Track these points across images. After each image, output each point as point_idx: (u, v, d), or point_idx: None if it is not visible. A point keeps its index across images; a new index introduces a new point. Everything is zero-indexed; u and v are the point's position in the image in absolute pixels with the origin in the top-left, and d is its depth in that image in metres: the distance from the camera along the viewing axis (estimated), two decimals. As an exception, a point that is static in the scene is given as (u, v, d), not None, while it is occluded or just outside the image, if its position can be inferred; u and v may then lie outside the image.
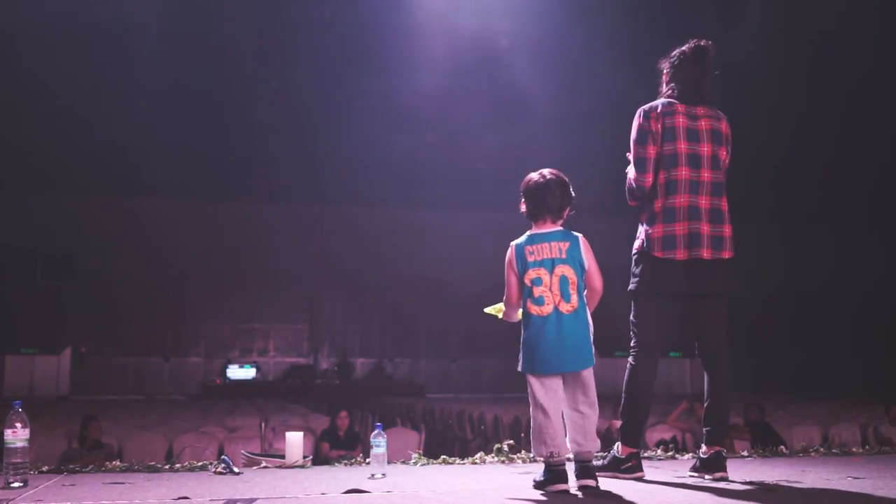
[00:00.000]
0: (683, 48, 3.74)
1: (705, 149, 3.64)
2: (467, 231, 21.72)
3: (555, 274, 3.29)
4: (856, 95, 16.02)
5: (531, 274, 3.31)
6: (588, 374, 3.31)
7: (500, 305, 3.60)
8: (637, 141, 3.66)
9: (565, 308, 3.28)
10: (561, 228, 3.38)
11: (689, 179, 3.60)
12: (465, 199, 20.93)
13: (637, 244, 3.71)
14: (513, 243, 3.40)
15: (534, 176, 3.43)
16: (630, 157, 3.72)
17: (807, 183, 19.54)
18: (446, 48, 14.64)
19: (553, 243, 3.34)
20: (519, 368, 3.33)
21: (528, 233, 3.41)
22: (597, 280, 3.40)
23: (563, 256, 3.32)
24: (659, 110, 3.64)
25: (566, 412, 3.32)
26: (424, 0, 13.93)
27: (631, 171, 3.71)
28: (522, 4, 13.88)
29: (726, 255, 3.64)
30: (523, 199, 3.43)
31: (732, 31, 13.10)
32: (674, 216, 3.58)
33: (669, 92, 3.72)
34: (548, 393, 3.27)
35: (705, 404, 3.73)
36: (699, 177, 3.61)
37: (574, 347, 3.27)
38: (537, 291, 3.29)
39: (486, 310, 3.74)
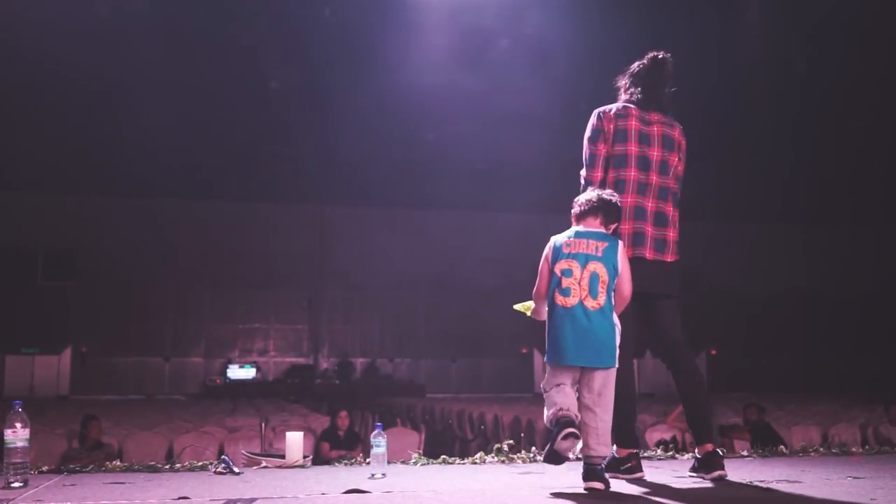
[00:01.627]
0: (643, 59, 3.89)
1: (655, 153, 3.75)
2: (467, 231, 21.74)
3: (587, 269, 3.32)
4: (858, 95, 16.03)
5: (562, 264, 3.33)
6: (608, 375, 3.30)
7: (530, 303, 3.63)
8: (590, 139, 3.79)
9: (591, 304, 3.30)
10: (604, 230, 3.43)
11: (637, 180, 3.70)
12: (466, 199, 20.95)
13: None
14: (553, 237, 3.44)
15: (596, 194, 3.50)
16: (583, 154, 3.83)
17: (809, 183, 19.55)
18: (447, 48, 14.64)
19: (592, 241, 3.38)
20: (545, 359, 3.35)
21: (573, 228, 3.45)
22: (627, 287, 3.43)
23: (599, 255, 3.36)
24: (613, 112, 3.79)
25: (581, 413, 3.30)
26: (425, 0, 13.93)
27: (583, 170, 3.83)
28: (523, 5, 13.88)
29: (669, 258, 3.72)
30: (577, 204, 3.49)
31: (732, 32, 13.10)
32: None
33: (626, 97, 3.87)
34: (567, 379, 3.28)
35: (683, 407, 3.77)
36: (647, 179, 3.71)
37: (597, 343, 3.27)
38: (565, 282, 3.31)
39: (516, 307, 3.78)
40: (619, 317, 3.59)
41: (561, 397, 3.26)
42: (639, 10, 13.36)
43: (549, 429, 3.34)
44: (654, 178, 3.72)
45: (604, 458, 3.32)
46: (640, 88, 3.82)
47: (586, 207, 3.45)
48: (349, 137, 18.01)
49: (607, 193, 3.49)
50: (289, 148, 18.65)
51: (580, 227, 3.43)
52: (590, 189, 3.56)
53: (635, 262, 3.61)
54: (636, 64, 3.89)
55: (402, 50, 14.82)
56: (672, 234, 3.74)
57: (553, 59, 14.59)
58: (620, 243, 3.42)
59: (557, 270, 3.33)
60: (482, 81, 15.84)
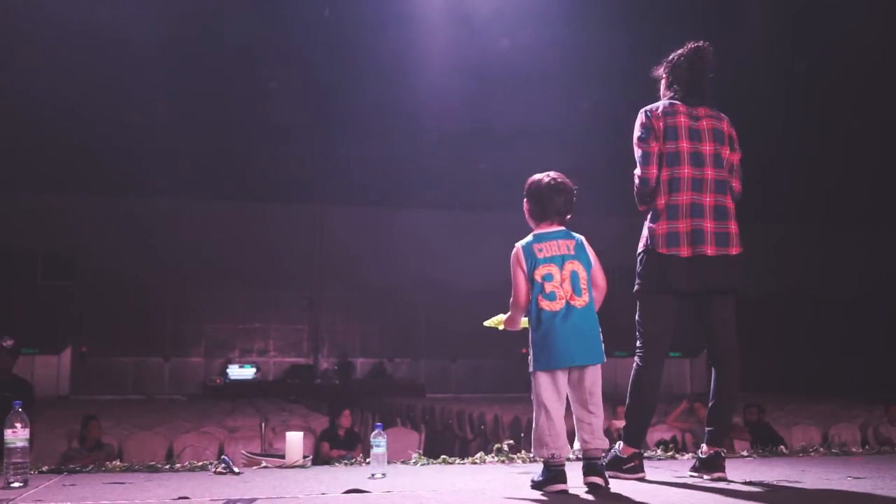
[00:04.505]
0: (681, 51, 3.81)
1: (707, 147, 3.68)
2: (467, 231, 21.73)
3: (565, 269, 3.31)
4: (856, 96, 16.03)
5: (542, 270, 3.31)
6: (597, 371, 3.32)
7: (500, 317, 3.60)
8: (640, 138, 3.71)
9: (577, 303, 3.30)
10: (564, 229, 3.41)
11: (691, 177, 3.63)
12: (466, 199, 20.95)
13: (641, 242, 3.73)
14: (518, 244, 3.40)
15: (541, 177, 3.45)
16: (635, 155, 3.76)
17: (811, 184, 19.56)
18: (447, 48, 14.65)
19: (560, 241, 3.37)
20: (530, 368, 3.31)
21: (532, 233, 3.42)
22: (601, 278, 3.43)
23: (572, 253, 3.35)
24: (660, 110, 3.70)
25: (574, 411, 3.33)
26: (425, 1, 13.93)
27: (637, 170, 3.75)
28: (524, 6, 13.87)
29: (733, 251, 3.65)
30: (528, 200, 3.44)
31: (730, 32, 13.10)
32: (677, 213, 3.61)
33: (670, 94, 3.78)
34: (554, 392, 3.26)
35: (710, 404, 3.74)
36: (702, 175, 3.65)
37: (586, 341, 3.28)
38: (549, 287, 3.29)
39: (486, 323, 3.72)
40: (659, 317, 3.59)
41: (552, 437, 3.22)
42: (639, 13, 13.36)
43: (540, 462, 3.33)
44: (709, 172, 3.65)
45: (602, 450, 3.33)
46: (683, 83, 3.75)
47: (540, 212, 3.40)
48: (349, 137, 18.01)
49: (550, 188, 3.40)
50: (289, 148, 18.65)
51: (541, 231, 3.40)
52: (530, 186, 3.44)
53: (696, 260, 3.58)
54: (675, 55, 3.81)
55: (403, 49, 14.82)
56: (734, 227, 3.67)
57: (554, 59, 14.59)
58: (583, 238, 3.41)
59: (538, 277, 3.30)
60: (483, 81, 15.86)
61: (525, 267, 3.34)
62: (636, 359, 3.68)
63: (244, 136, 18.20)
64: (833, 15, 13.21)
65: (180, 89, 15.46)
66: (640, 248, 3.72)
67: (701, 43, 3.78)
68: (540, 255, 3.32)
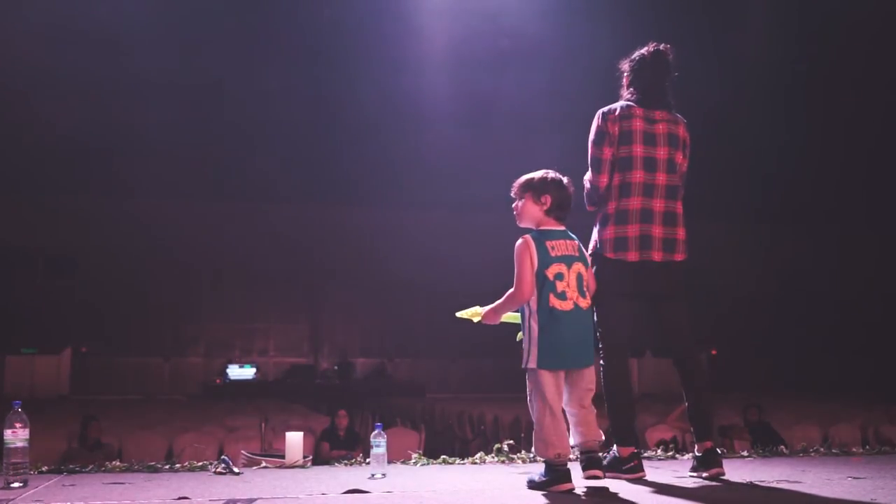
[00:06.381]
0: (643, 51, 3.82)
1: (661, 152, 3.70)
2: (468, 231, 21.71)
3: (572, 270, 3.33)
4: (858, 94, 16.03)
5: (554, 268, 3.30)
6: (593, 370, 3.41)
7: (476, 309, 3.58)
8: (594, 142, 3.73)
9: (583, 304, 3.34)
10: (565, 228, 3.43)
11: (643, 182, 3.66)
12: (466, 199, 20.93)
13: (591, 246, 3.77)
14: (529, 235, 3.36)
15: (553, 174, 3.44)
16: (588, 156, 3.78)
17: (812, 184, 19.55)
18: (447, 48, 14.65)
19: (567, 241, 3.38)
20: (531, 365, 3.29)
21: (539, 228, 3.39)
22: (594, 281, 3.51)
23: (577, 254, 3.37)
24: (617, 113, 3.71)
25: (568, 409, 3.35)
26: (425, 0, 13.94)
27: (588, 174, 3.78)
28: (525, 4, 13.88)
29: (678, 257, 3.70)
30: (547, 193, 3.39)
31: (729, 32, 13.11)
32: (626, 218, 3.65)
33: (629, 95, 3.79)
34: (557, 391, 3.28)
35: (686, 405, 3.77)
36: (654, 180, 3.67)
37: (590, 343, 3.37)
38: (560, 286, 3.29)
39: (459, 314, 3.68)
40: (616, 317, 3.64)
41: (557, 436, 3.22)
42: (638, 13, 13.35)
43: (542, 461, 3.33)
44: (661, 177, 3.67)
45: (599, 442, 3.38)
46: (642, 85, 3.76)
47: (557, 208, 3.39)
48: (349, 137, 18.01)
49: (563, 187, 3.42)
50: (289, 148, 18.65)
51: (548, 228, 3.38)
52: (545, 181, 3.42)
53: (643, 266, 3.61)
54: (637, 54, 3.81)
55: (403, 49, 14.83)
56: (682, 233, 3.71)
57: (554, 58, 14.60)
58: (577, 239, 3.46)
59: (550, 275, 3.28)
60: (483, 81, 15.86)
61: (536, 261, 3.30)
62: (601, 360, 3.70)
63: (244, 136, 18.20)
64: (832, 16, 13.22)
65: (181, 89, 15.47)
66: (589, 251, 3.74)
67: (661, 45, 3.79)
68: (553, 253, 3.31)
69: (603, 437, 3.44)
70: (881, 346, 21.36)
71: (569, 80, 14.77)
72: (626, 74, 3.85)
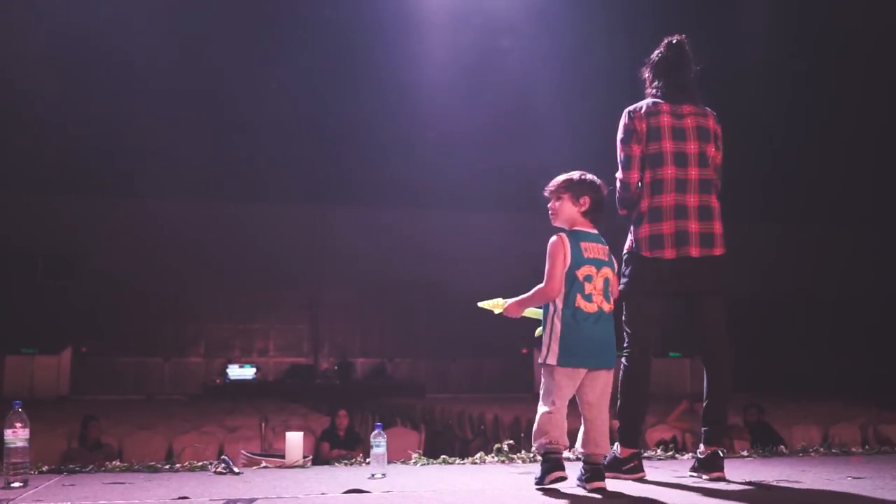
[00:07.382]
0: (659, 48, 3.79)
1: (692, 146, 3.65)
2: (468, 231, 21.71)
3: (600, 274, 3.33)
4: (860, 95, 16.03)
5: (585, 270, 3.30)
6: (611, 375, 3.38)
7: (498, 301, 3.56)
8: (622, 141, 3.70)
9: (607, 308, 3.34)
10: (597, 232, 3.42)
11: (675, 178, 3.62)
12: (467, 199, 20.93)
13: (626, 245, 3.75)
14: (564, 234, 3.35)
15: (591, 176, 3.42)
16: (618, 157, 3.74)
17: (813, 184, 19.55)
18: (447, 48, 14.66)
19: (599, 245, 3.38)
20: (550, 361, 3.28)
21: (571, 229, 3.38)
22: (617, 287, 3.51)
23: (607, 259, 3.38)
24: (643, 110, 3.67)
25: (584, 412, 3.35)
26: (425, 0, 13.95)
27: (619, 173, 3.74)
28: (525, 4, 13.88)
29: (717, 251, 3.64)
30: (586, 195, 3.37)
31: (730, 32, 13.10)
32: (661, 215, 3.61)
33: (654, 92, 3.75)
34: (571, 389, 3.29)
35: (704, 404, 3.74)
36: (686, 175, 3.62)
37: (611, 346, 3.34)
38: (588, 288, 3.30)
39: (482, 304, 3.67)
40: (642, 318, 3.62)
41: (553, 427, 3.24)
42: (640, 14, 13.35)
43: (538, 455, 3.37)
44: (693, 172, 3.62)
45: (604, 456, 3.37)
46: (664, 80, 3.72)
47: (595, 209, 3.39)
48: (350, 137, 18.01)
49: (601, 190, 3.42)
50: (289, 148, 18.65)
51: (582, 229, 3.37)
52: (589, 181, 3.40)
53: (681, 262, 3.58)
54: (655, 53, 3.78)
55: (403, 49, 14.83)
56: (718, 227, 3.64)
57: (554, 58, 14.60)
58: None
59: (580, 276, 3.29)
60: (484, 81, 15.86)
61: (569, 260, 3.29)
62: (623, 360, 3.69)
63: (244, 135, 18.20)
64: (833, 14, 13.22)
65: (181, 89, 15.47)
66: (625, 250, 3.73)
67: (676, 37, 3.75)
68: (586, 255, 3.32)
69: (609, 452, 3.44)
70: (883, 346, 21.35)
71: (569, 80, 14.78)
72: (647, 75, 3.80)
